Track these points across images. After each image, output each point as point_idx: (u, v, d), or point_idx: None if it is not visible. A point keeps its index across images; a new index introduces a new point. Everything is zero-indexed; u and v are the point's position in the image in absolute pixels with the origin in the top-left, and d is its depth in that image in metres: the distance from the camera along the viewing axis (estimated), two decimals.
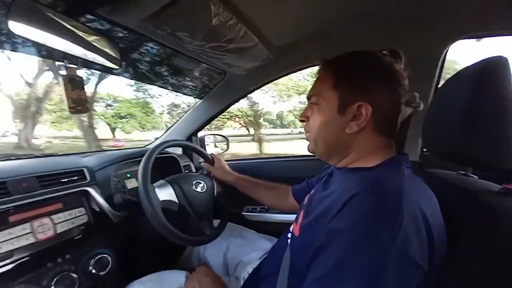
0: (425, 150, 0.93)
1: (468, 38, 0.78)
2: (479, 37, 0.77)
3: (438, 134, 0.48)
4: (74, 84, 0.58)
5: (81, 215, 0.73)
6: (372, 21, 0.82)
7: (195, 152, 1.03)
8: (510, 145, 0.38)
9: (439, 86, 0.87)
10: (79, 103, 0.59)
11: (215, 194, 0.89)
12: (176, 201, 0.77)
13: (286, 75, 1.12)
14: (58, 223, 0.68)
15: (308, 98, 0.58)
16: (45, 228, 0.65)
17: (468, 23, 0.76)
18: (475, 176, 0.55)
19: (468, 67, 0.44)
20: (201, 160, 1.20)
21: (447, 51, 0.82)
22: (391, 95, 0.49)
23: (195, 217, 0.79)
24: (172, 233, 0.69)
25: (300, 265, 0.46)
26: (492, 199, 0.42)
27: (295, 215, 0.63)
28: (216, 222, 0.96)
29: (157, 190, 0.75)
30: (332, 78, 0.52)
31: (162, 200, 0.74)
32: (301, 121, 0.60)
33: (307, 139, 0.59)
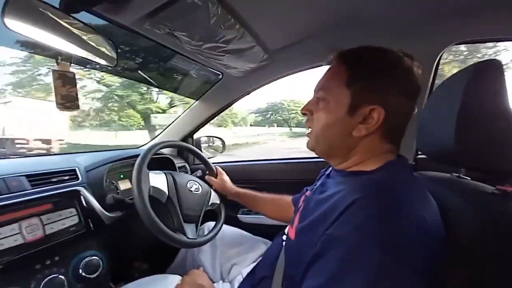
0: (419, 153, 0.94)
1: (462, 43, 0.79)
2: (473, 42, 0.79)
3: (433, 137, 0.48)
4: (65, 80, 0.56)
5: (71, 216, 0.72)
6: (366, 26, 0.83)
7: (200, 160, 1.00)
8: (504, 147, 0.38)
9: (433, 89, 0.88)
10: (69, 100, 0.57)
11: (209, 204, 0.87)
12: (166, 191, 0.75)
13: (282, 77, 1.13)
14: (47, 224, 0.66)
15: (315, 91, 0.53)
16: (33, 228, 0.63)
17: (463, 29, 0.77)
18: (468, 178, 0.55)
19: (461, 70, 0.44)
20: (198, 162, 1.19)
21: (441, 55, 0.84)
22: (406, 102, 0.47)
23: (181, 216, 0.75)
24: (154, 224, 0.65)
25: (295, 269, 0.45)
26: (487, 201, 0.42)
27: None
28: (209, 226, 0.94)
29: (150, 175, 0.74)
30: (346, 74, 0.47)
31: (152, 186, 0.72)
32: (303, 114, 0.55)
33: (307, 135, 0.55)
